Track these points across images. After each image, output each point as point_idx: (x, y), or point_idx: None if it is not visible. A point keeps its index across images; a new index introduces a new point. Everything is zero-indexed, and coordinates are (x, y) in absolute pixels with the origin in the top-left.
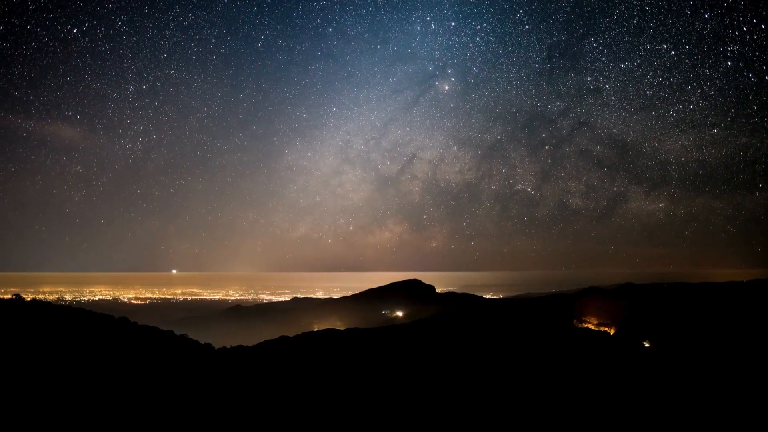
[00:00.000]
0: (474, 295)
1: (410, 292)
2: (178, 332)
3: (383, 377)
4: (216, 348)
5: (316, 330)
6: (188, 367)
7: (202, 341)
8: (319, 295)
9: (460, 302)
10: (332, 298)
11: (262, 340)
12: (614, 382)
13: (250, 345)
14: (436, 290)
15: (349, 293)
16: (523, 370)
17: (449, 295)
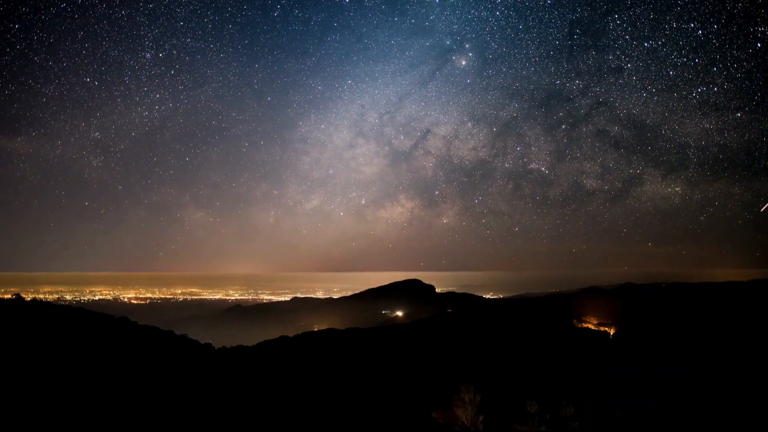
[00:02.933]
0: (474, 295)
1: (410, 292)
2: (178, 332)
3: (383, 377)
4: (216, 348)
5: (316, 330)
6: (188, 367)
7: (202, 341)
8: (319, 295)
9: (460, 302)
10: (332, 298)
11: (262, 340)
12: (613, 382)
13: (250, 345)
14: (436, 290)
15: (349, 293)
16: (523, 370)
17: (449, 295)
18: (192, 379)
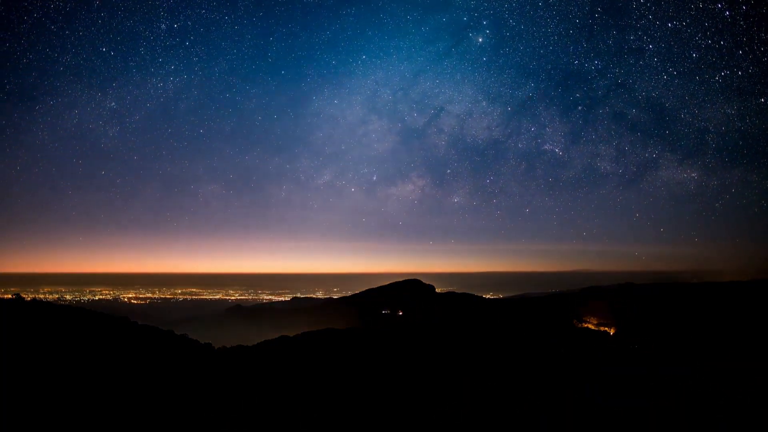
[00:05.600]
0: (474, 295)
1: (410, 292)
2: (178, 332)
3: (383, 378)
4: (216, 348)
5: (315, 330)
6: (188, 367)
7: (202, 341)
8: (319, 295)
9: (460, 302)
10: (332, 298)
11: (262, 340)
12: (613, 382)
13: (250, 345)
14: (436, 290)
15: (349, 293)
16: (523, 370)
17: (449, 295)
18: (192, 379)
